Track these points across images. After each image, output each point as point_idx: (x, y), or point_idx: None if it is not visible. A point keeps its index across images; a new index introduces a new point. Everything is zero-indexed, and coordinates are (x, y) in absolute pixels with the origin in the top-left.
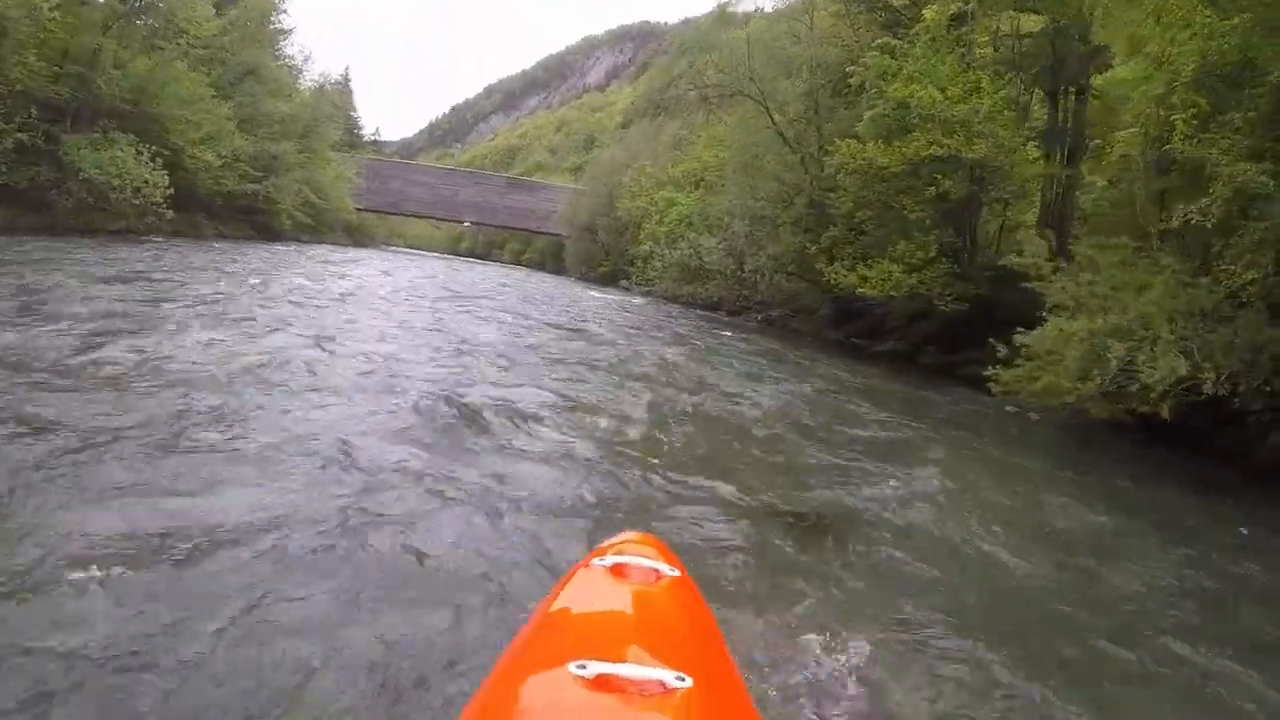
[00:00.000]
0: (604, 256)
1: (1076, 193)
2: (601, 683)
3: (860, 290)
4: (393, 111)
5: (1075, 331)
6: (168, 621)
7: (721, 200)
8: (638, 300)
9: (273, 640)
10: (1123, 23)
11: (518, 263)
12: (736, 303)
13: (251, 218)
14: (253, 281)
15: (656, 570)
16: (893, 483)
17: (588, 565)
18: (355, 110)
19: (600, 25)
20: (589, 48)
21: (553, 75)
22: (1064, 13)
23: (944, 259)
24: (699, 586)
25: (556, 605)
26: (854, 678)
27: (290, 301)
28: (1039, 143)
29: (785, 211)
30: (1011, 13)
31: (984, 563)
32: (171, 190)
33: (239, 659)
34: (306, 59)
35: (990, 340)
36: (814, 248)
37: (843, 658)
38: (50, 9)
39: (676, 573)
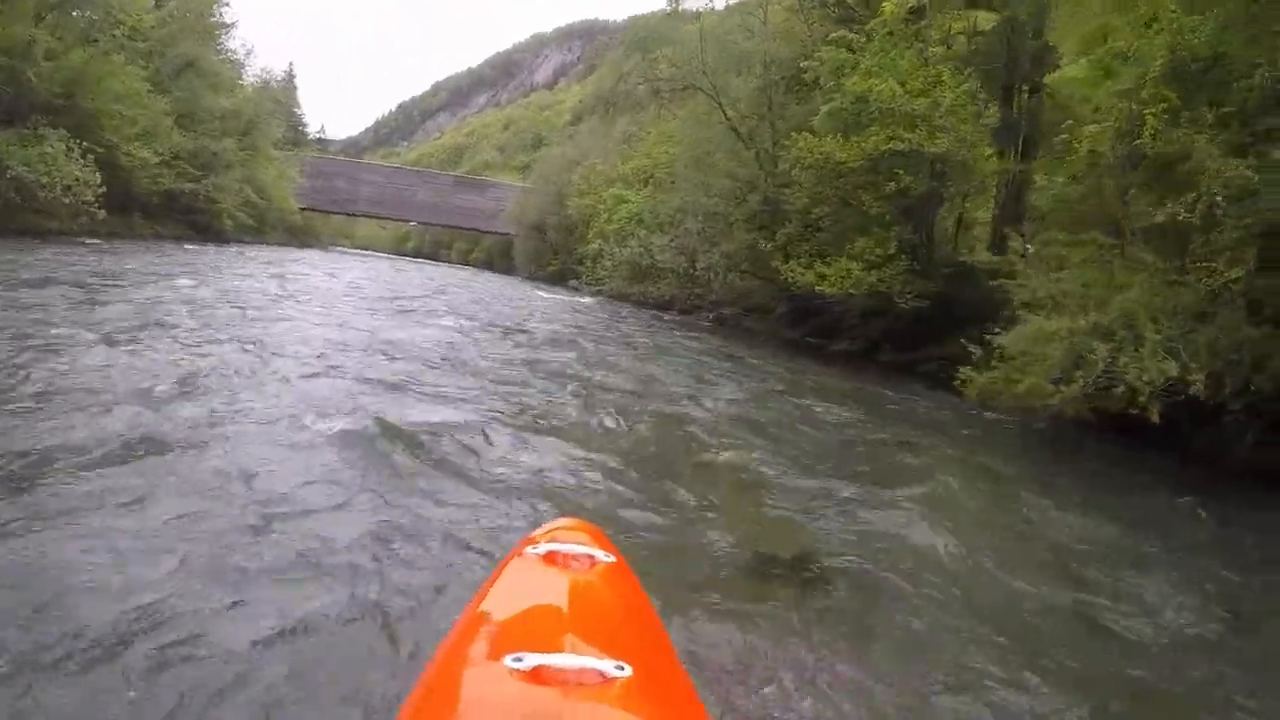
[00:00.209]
0: (553, 255)
1: (1030, 190)
2: (539, 675)
3: (820, 288)
4: (338, 109)
5: (1056, 331)
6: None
7: (673, 197)
8: (586, 300)
9: (184, 671)
10: (1073, 21)
11: (465, 262)
12: (688, 301)
13: (191, 218)
14: (184, 285)
15: (591, 557)
16: (855, 486)
17: (521, 554)
18: (299, 107)
19: (549, 23)
20: (537, 45)
21: (501, 73)
22: (1020, 8)
23: (904, 256)
24: (635, 573)
25: (490, 597)
26: (794, 667)
27: (224, 307)
28: (992, 140)
29: (738, 208)
30: (964, 10)
31: (946, 556)
32: (105, 189)
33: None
34: (249, 53)
35: (962, 341)
36: (769, 245)
37: (784, 648)
38: None
39: (612, 559)
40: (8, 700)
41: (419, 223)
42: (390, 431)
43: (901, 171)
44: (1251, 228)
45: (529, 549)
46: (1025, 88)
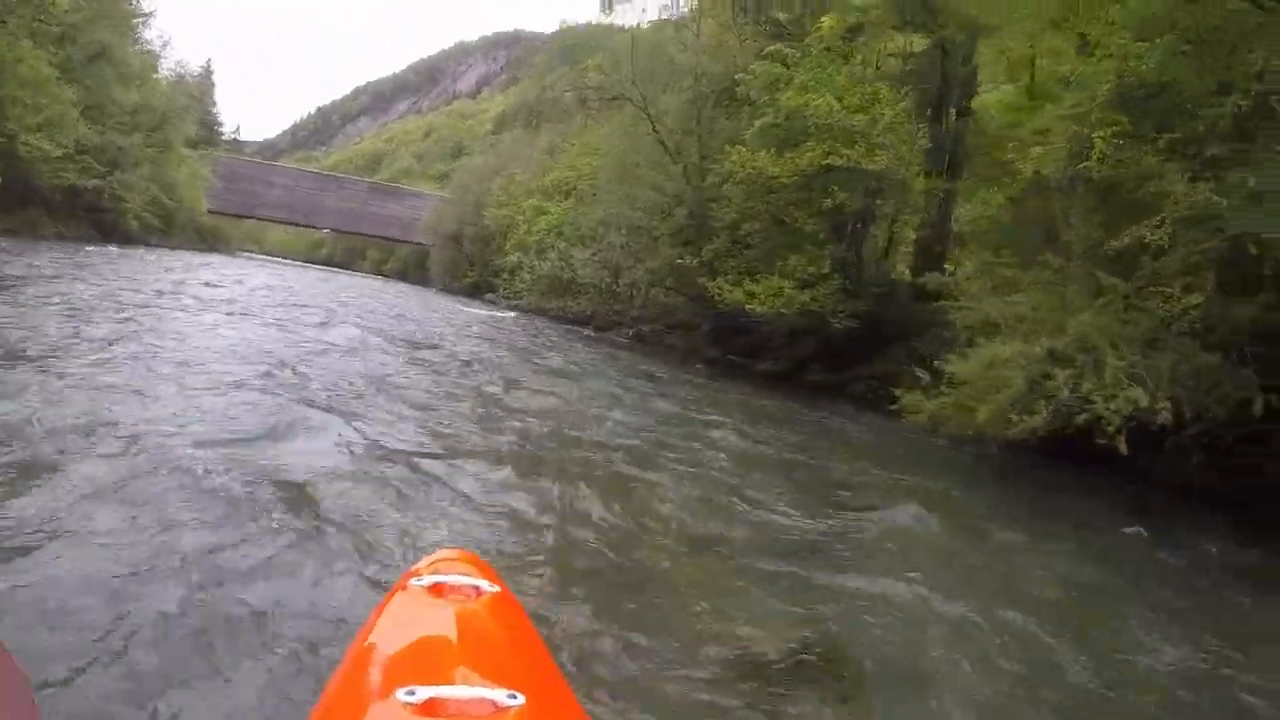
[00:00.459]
0: (469, 267)
1: (956, 210)
2: (431, 708)
3: (749, 307)
4: (256, 110)
5: (1014, 357)
6: None
7: (596, 210)
8: (502, 314)
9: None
10: (998, 50)
11: (379, 272)
12: (607, 317)
13: (95, 217)
14: (68, 291)
15: (477, 587)
16: (782, 505)
17: (405, 587)
18: (215, 105)
19: (474, 31)
20: (462, 54)
21: (424, 79)
22: (952, 34)
23: (836, 275)
24: (521, 602)
25: (377, 631)
26: (687, 693)
27: (113, 317)
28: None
29: (664, 223)
30: (898, 31)
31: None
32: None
33: None
34: (165, 45)
35: (912, 368)
36: (694, 261)
37: (674, 677)
38: None
39: (497, 589)
40: None
41: (332, 230)
42: (269, 454)
43: (838, 188)
44: (1208, 253)
45: (413, 581)
46: (953, 110)
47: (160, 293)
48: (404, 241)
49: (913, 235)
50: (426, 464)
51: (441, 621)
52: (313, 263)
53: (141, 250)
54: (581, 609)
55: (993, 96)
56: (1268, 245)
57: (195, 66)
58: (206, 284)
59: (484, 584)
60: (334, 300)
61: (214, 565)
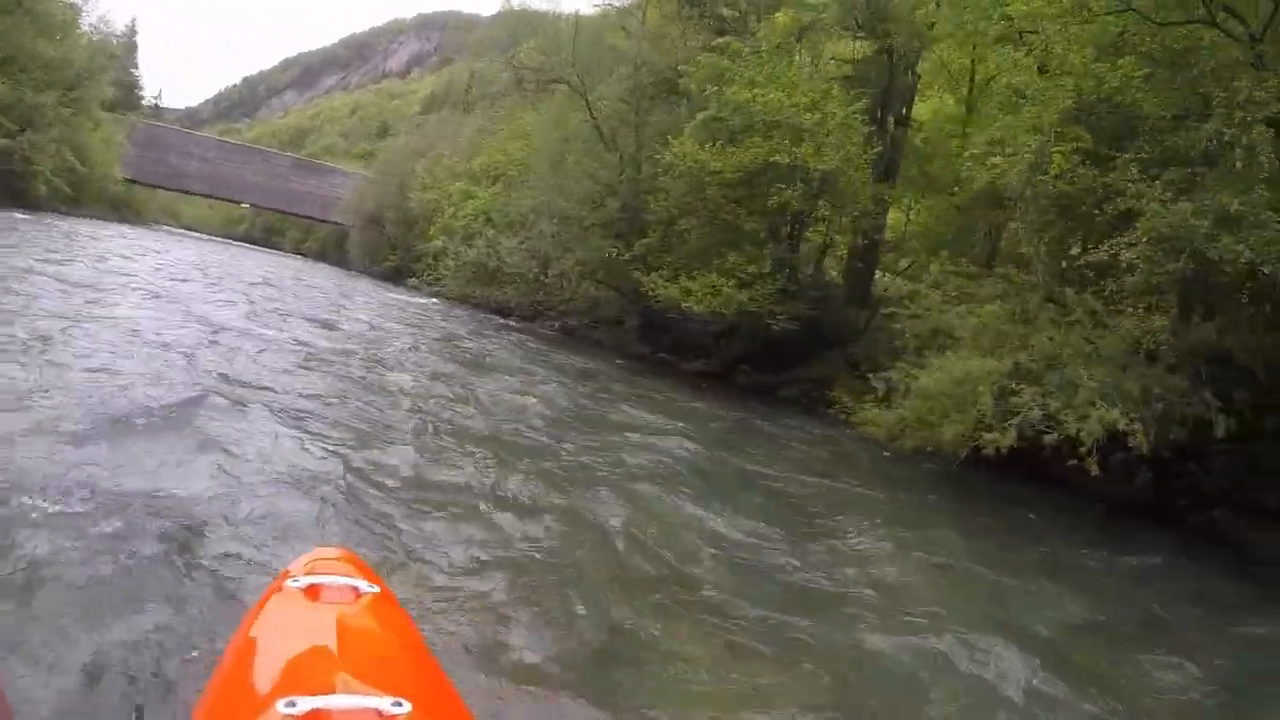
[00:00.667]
0: (390, 250)
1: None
2: None
3: (686, 305)
4: (179, 77)
5: (986, 374)
6: None
7: (526, 196)
8: (423, 300)
9: None
10: (938, 61)
11: (299, 251)
12: (533, 308)
13: (1, 179)
14: None
15: (355, 588)
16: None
17: (281, 589)
18: (137, 69)
19: (410, 9)
20: (394, 31)
21: (354, 55)
22: (903, 41)
23: (777, 275)
24: (402, 602)
25: (252, 638)
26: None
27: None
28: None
29: (595, 213)
30: (843, 34)
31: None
32: None
33: None
34: None
35: (869, 376)
36: (627, 254)
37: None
38: None
39: (376, 589)
40: None
41: (252, 205)
42: (134, 451)
43: (785, 186)
44: (1174, 274)
45: (289, 582)
46: (892, 118)
47: (53, 262)
48: (324, 221)
49: (844, 240)
50: (315, 462)
51: (320, 626)
52: (231, 239)
53: (50, 218)
54: (466, 608)
55: (930, 105)
56: (1241, 270)
57: (120, 25)
58: (101, 257)
59: (363, 584)
60: (255, 277)
61: (65, 563)
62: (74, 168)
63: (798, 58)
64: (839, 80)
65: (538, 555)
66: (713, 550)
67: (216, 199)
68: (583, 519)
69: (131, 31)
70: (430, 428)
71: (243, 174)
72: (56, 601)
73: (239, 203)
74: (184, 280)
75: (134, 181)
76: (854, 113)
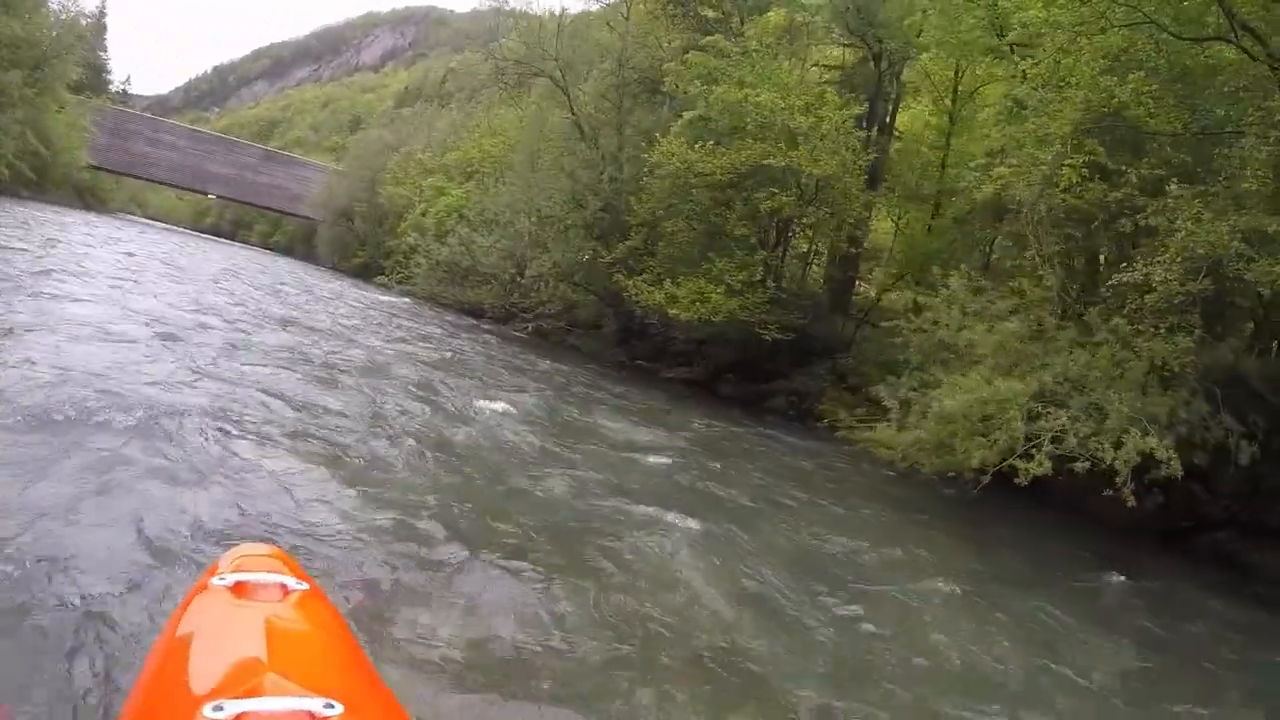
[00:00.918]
0: (359, 246)
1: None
2: None
3: (673, 312)
4: (149, 64)
5: (1015, 395)
6: None
7: (503, 194)
8: (392, 298)
9: None
10: (922, 72)
11: (266, 246)
12: (504, 310)
13: None
14: None
15: (283, 585)
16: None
17: (206, 587)
18: (106, 52)
19: (386, 2)
20: (369, 25)
21: (326, 48)
22: (896, 48)
23: (768, 283)
24: (331, 598)
25: (178, 638)
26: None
27: None
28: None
29: (575, 213)
30: (830, 40)
31: None
32: None
33: None
34: None
35: (864, 389)
36: (607, 256)
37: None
38: None
39: (305, 586)
40: None
41: (219, 196)
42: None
43: (778, 190)
44: (1196, 293)
45: (214, 580)
46: (876, 127)
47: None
48: (292, 215)
49: (826, 248)
50: (242, 457)
51: (248, 625)
52: (198, 231)
53: (9, 203)
54: (397, 605)
55: (911, 115)
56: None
57: (90, 6)
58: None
59: (291, 581)
60: (214, 271)
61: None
62: (37, 151)
63: (787, 62)
64: (829, 85)
65: (481, 556)
66: (716, 594)
67: (184, 189)
68: (542, 529)
69: (101, 13)
70: (381, 429)
71: (212, 164)
72: None
73: (206, 194)
74: (132, 273)
75: (100, 168)
76: (850, 117)
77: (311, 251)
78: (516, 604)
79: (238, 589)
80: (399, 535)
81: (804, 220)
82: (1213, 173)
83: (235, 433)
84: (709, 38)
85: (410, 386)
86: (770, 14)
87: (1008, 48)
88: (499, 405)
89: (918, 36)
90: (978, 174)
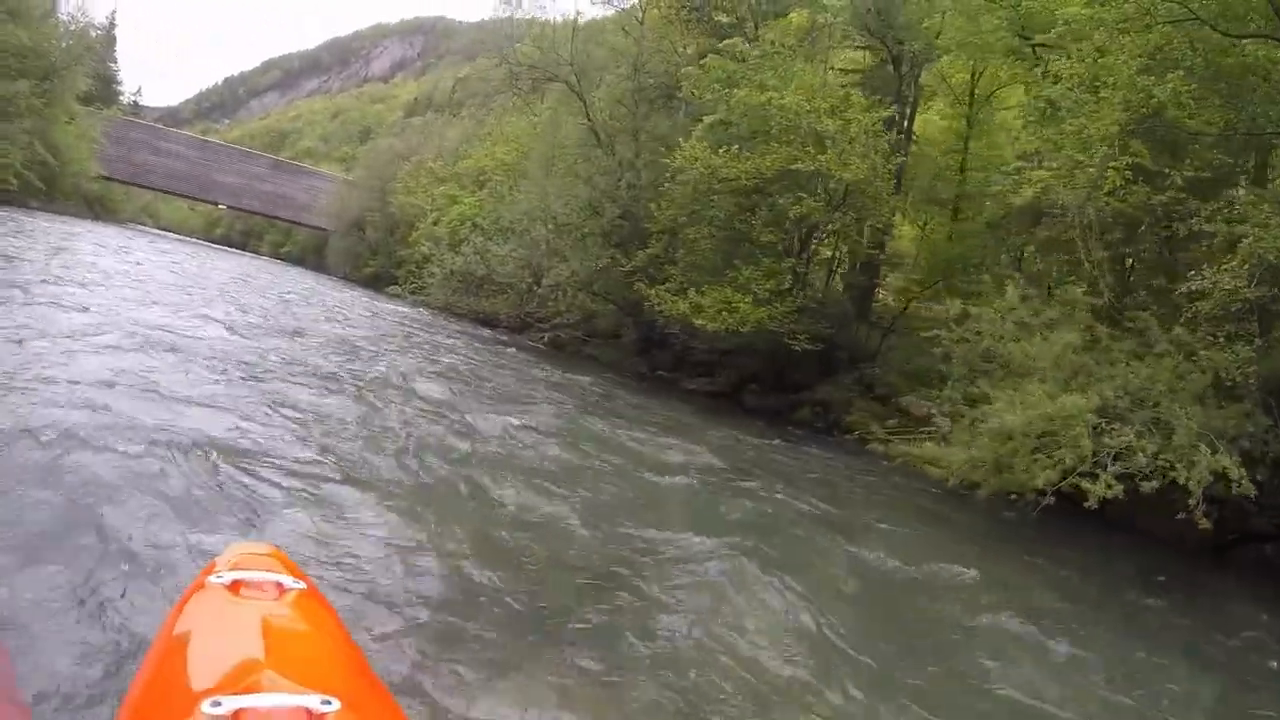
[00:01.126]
0: (371, 256)
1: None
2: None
3: (698, 322)
4: (160, 75)
5: (1079, 411)
6: None
7: (519, 201)
8: (405, 308)
9: None
10: (938, 76)
11: (276, 256)
12: (520, 320)
13: None
14: None
15: (280, 584)
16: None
17: (203, 585)
18: (115, 62)
19: (394, 14)
20: (378, 36)
21: (336, 59)
22: (920, 50)
23: (798, 291)
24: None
25: (175, 636)
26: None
27: None
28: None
29: (593, 221)
30: (849, 43)
31: None
32: None
33: None
34: None
35: (908, 404)
36: (627, 264)
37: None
38: None
39: (302, 585)
40: None
41: (230, 207)
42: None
43: (806, 195)
44: (1256, 300)
45: (211, 578)
46: (896, 130)
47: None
48: (303, 224)
49: (849, 254)
50: (252, 458)
51: (245, 623)
52: (210, 241)
53: (18, 214)
54: (394, 604)
55: (926, 118)
56: None
57: (100, 17)
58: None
59: (288, 580)
60: (221, 281)
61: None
62: (46, 161)
63: (809, 65)
64: (850, 88)
65: (480, 558)
66: (772, 634)
67: (192, 199)
68: (556, 534)
69: (111, 24)
70: (389, 440)
71: (222, 174)
72: None
73: (216, 204)
74: (142, 281)
75: (110, 179)
76: (878, 120)
77: (322, 261)
78: (517, 606)
79: (235, 587)
80: (399, 542)
81: (830, 226)
82: (1245, 173)
83: (237, 436)
84: (726, 41)
85: (423, 396)
86: (792, 15)
87: (1030, 49)
88: (513, 416)
89: (937, 38)
90: (1014, 178)
